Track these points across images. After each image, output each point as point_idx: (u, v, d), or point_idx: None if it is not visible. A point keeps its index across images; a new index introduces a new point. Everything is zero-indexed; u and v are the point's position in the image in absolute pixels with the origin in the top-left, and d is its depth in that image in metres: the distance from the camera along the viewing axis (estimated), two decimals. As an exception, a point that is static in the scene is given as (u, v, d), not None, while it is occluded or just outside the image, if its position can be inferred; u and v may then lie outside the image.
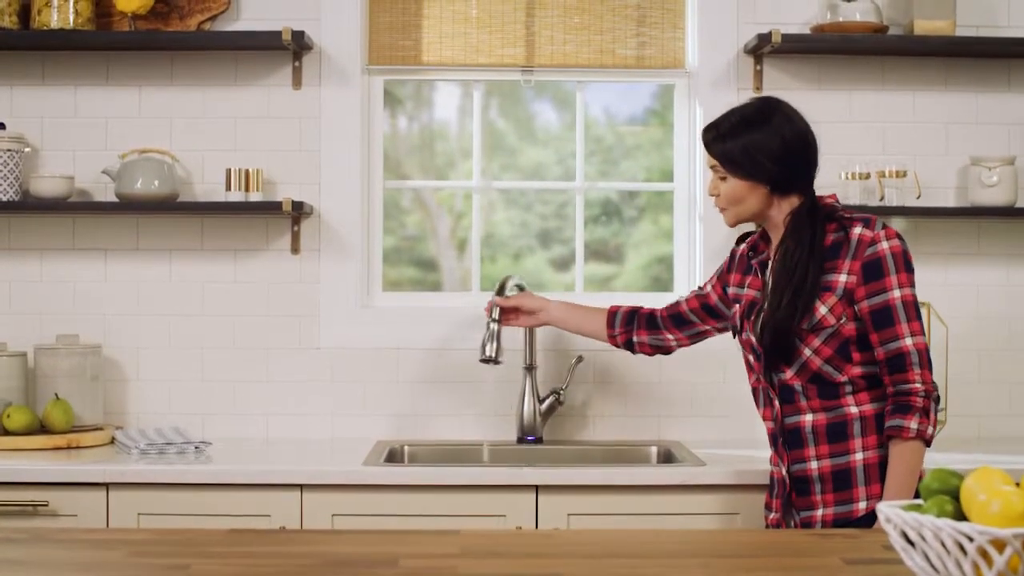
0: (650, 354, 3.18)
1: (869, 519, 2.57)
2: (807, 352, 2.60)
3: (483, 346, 3.37)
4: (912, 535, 1.71)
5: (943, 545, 1.66)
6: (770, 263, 2.71)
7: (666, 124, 3.86)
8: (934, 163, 3.70)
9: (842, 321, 2.58)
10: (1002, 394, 3.71)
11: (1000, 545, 1.60)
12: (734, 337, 2.83)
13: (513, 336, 3.60)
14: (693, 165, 3.75)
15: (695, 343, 3.12)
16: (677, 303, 3.10)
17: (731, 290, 2.87)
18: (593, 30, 3.73)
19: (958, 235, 3.71)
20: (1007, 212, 3.59)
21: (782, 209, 2.68)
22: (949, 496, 1.76)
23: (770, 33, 3.50)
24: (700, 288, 3.06)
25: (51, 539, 2.14)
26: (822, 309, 2.58)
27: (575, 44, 3.73)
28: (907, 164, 3.65)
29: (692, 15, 3.72)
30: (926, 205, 3.63)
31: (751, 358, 2.73)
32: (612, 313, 3.17)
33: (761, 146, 2.63)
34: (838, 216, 2.64)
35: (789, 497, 2.66)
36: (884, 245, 2.58)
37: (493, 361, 3.37)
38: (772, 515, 2.73)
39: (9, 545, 2.05)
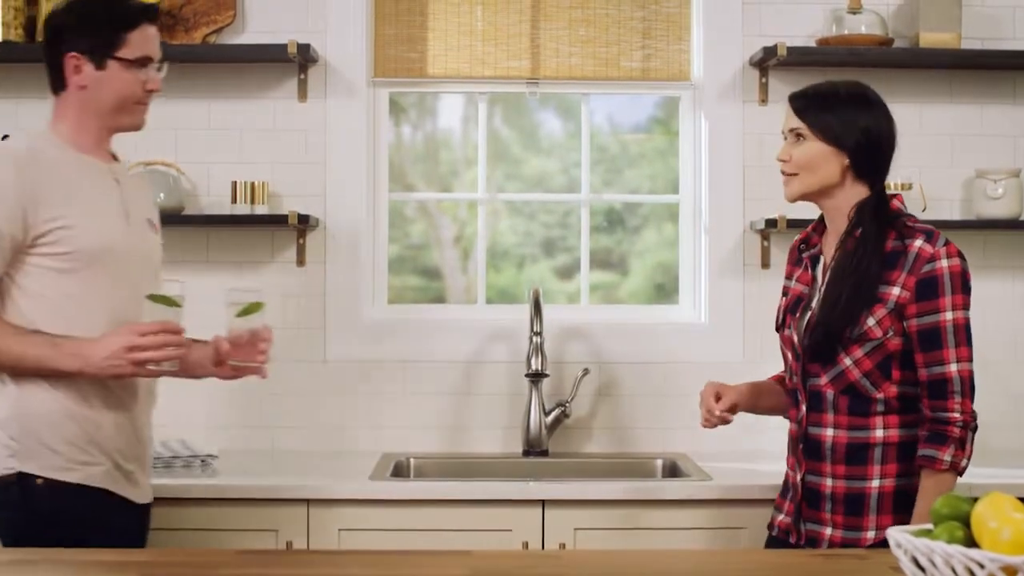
0: None
1: (875, 549, 2.51)
2: (847, 361, 2.52)
3: (528, 360, 3.44)
4: (923, 561, 1.72)
5: (954, 571, 1.66)
6: (822, 258, 2.63)
7: (670, 133, 3.86)
8: (939, 175, 3.70)
9: (888, 335, 2.50)
10: (1007, 406, 3.71)
11: (1011, 572, 1.61)
12: (777, 331, 2.73)
13: (518, 348, 3.61)
14: (699, 177, 3.75)
15: None
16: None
17: (784, 283, 2.76)
18: (598, 42, 3.74)
19: (963, 247, 3.61)
20: (1012, 224, 3.59)
21: (851, 194, 2.59)
22: (959, 522, 1.77)
23: (775, 46, 3.50)
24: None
25: (61, 560, 2.15)
26: (870, 320, 2.49)
27: (580, 56, 3.74)
28: (913, 176, 3.65)
29: (697, 28, 3.72)
30: (932, 218, 3.61)
31: (789, 355, 2.65)
32: (781, 381, 2.81)
33: (856, 118, 2.57)
34: (900, 224, 2.56)
35: (800, 505, 2.62)
36: (944, 263, 2.51)
37: (540, 375, 3.41)
38: (781, 517, 2.67)
39: (20, 567, 2.05)
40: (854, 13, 3.59)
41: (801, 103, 2.62)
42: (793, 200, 2.65)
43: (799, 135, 2.60)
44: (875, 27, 3.59)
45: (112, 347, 2.42)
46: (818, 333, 2.54)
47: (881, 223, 2.55)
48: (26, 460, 2.48)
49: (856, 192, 2.59)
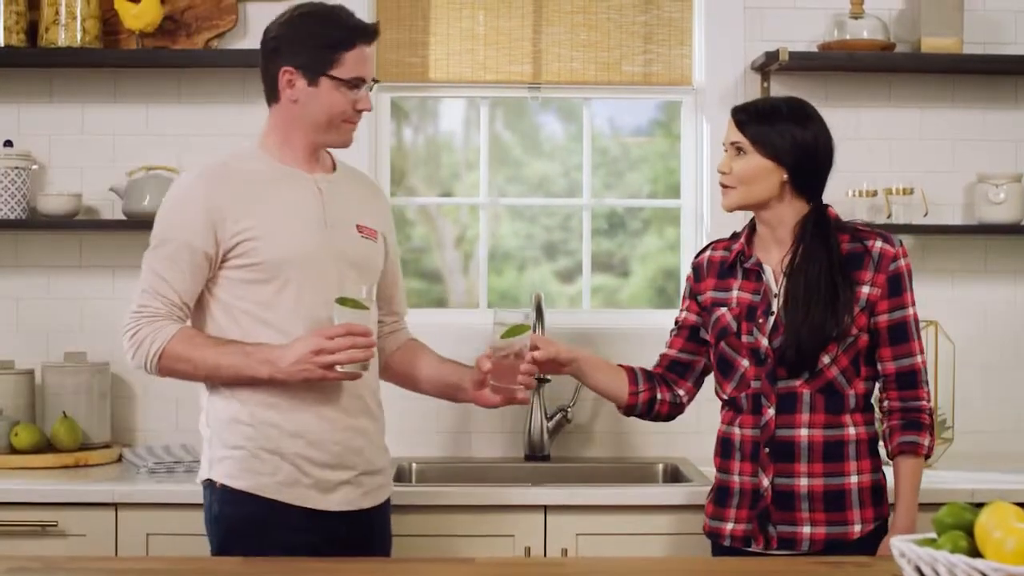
0: (666, 415, 2.85)
1: (863, 541, 2.60)
2: (825, 360, 2.59)
3: None
4: (926, 570, 1.72)
5: (957, 582, 1.66)
6: (767, 268, 2.68)
7: (671, 136, 3.87)
8: (941, 180, 3.70)
9: (860, 332, 2.61)
10: (1008, 411, 3.71)
11: (1015, 584, 1.61)
12: (716, 343, 2.73)
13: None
14: (700, 181, 3.75)
15: (698, 390, 2.87)
16: (664, 355, 2.86)
17: (708, 295, 2.76)
18: (600, 47, 3.74)
19: (965, 252, 3.71)
20: (1014, 229, 3.59)
21: (789, 207, 2.66)
22: (963, 531, 1.77)
23: (777, 51, 3.50)
24: (676, 326, 2.86)
25: (64, 567, 2.15)
26: (846, 318, 2.59)
27: (582, 61, 3.74)
28: (914, 181, 3.65)
29: (699, 32, 3.72)
30: (933, 222, 3.63)
31: (746, 362, 2.67)
32: (630, 370, 2.84)
33: (795, 135, 2.63)
34: (850, 228, 2.68)
35: (766, 509, 2.63)
36: (903, 262, 2.64)
37: (542, 379, 3.45)
38: (732, 526, 2.68)
39: (22, 575, 2.05)
40: (856, 18, 3.59)
41: (743, 117, 2.68)
42: (730, 210, 2.72)
43: (740, 149, 2.66)
44: (877, 32, 3.59)
45: (300, 351, 2.45)
46: (793, 346, 2.58)
47: (828, 235, 2.63)
48: (213, 465, 2.54)
49: (795, 206, 2.67)
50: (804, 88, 3.65)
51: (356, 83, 2.57)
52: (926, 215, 3.63)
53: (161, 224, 2.56)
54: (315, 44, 2.55)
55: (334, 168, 2.71)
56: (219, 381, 2.52)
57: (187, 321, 2.55)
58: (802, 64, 3.57)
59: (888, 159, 3.70)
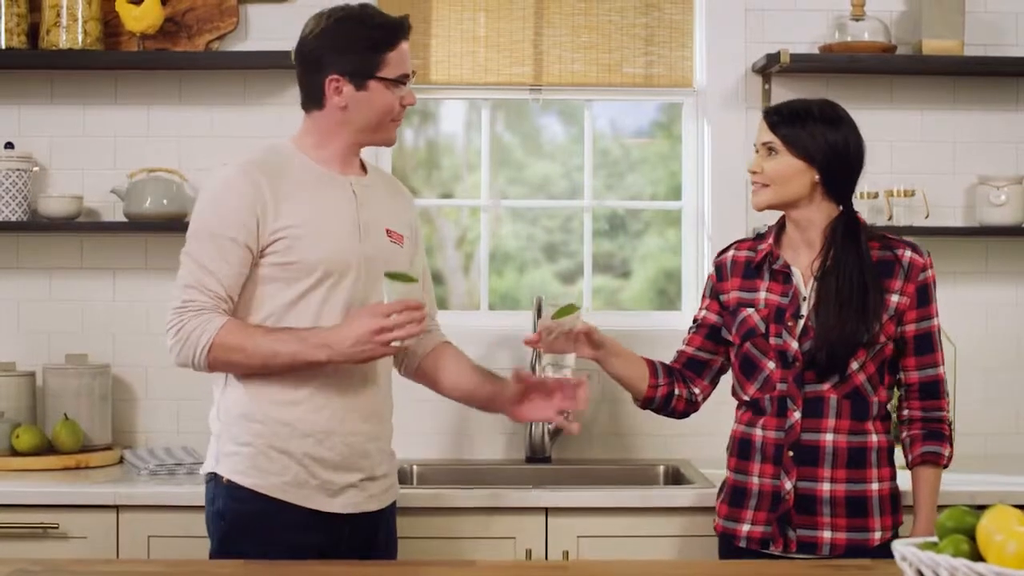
0: (681, 412, 2.85)
1: (882, 549, 2.59)
2: (854, 366, 2.61)
3: (532, 366, 3.40)
4: (928, 574, 1.72)
5: (959, 586, 1.66)
6: (798, 269, 2.68)
7: (672, 137, 3.87)
8: (942, 182, 3.70)
9: (887, 340, 2.63)
10: (1009, 413, 3.71)
11: (1017, 587, 1.61)
12: (741, 343, 2.72)
13: (521, 354, 3.60)
14: (701, 183, 3.75)
15: (712, 389, 2.89)
16: (682, 352, 2.85)
17: (732, 295, 2.75)
18: (601, 49, 3.74)
19: (966, 254, 3.71)
20: (1015, 232, 3.60)
21: (819, 209, 2.67)
22: (965, 535, 1.77)
23: (778, 53, 3.50)
24: (695, 324, 2.86)
25: (65, 570, 2.15)
26: (876, 325, 2.61)
27: (583, 63, 3.74)
28: (915, 183, 3.65)
29: (700, 34, 3.73)
30: (934, 224, 3.63)
31: (772, 364, 2.66)
32: (651, 363, 2.83)
33: (827, 136, 2.64)
34: (880, 236, 2.71)
35: (787, 513, 2.64)
36: (930, 273, 2.68)
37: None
38: (750, 528, 2.67)
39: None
40: (857, 20, 3.59)
41: (775, 118, 2.70)
42: (760, 209, 2.73)
43: (771, 149, 2.68)
44: (878, 34, 3.59)
45: (360, 331, 2.43)
46: (825, 350, 2.59)
47: (859, 239, 2.65)
48: (220, 459, 2.54)
49: (825, 208, 2.68)
50: (805, 90, 3.65)
51: (402, 80, 2.59)
52: (927, 217, 3.63)
53: (204, 217, 2.53)
54: (359, 48, 2.55)
55: (365, 170, 2.71)
56: (273, 370, 2.48)
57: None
58: (803, 66, 3.57)
59: (889, 161, 3.69)
